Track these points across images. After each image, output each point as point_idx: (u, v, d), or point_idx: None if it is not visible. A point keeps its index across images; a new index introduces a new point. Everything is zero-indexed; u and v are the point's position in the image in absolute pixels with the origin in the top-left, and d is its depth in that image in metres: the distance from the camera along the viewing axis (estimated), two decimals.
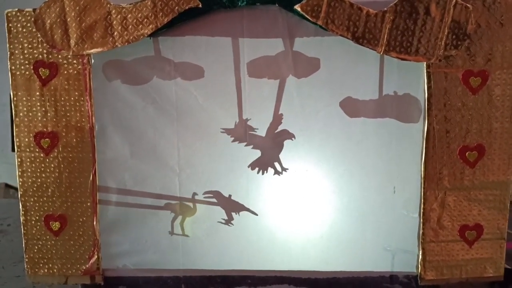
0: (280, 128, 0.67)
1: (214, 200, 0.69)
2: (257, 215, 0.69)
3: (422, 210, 0.67)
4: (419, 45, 0.61)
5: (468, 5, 0.60)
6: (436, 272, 0.68)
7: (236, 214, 0.69)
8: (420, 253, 0.68)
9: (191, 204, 0.69)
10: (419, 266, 0.68)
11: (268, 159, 0.68)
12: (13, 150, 1.57)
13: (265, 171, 0.68)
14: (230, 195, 0.69)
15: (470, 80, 0.63)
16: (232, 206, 0.69)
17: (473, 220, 0.67)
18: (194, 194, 0.69)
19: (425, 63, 0.63)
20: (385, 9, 0.60)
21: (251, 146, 0.67)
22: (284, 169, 0.68)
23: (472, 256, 0.68)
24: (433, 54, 0.61)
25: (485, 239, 0.67)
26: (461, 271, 0.69)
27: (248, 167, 0.68)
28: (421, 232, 0.67)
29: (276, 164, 0.68)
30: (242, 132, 0.66)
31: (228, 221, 0.69)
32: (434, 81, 0.64)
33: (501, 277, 0.69)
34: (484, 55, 0.63)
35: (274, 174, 0.69)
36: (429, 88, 0.64)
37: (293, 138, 0.67)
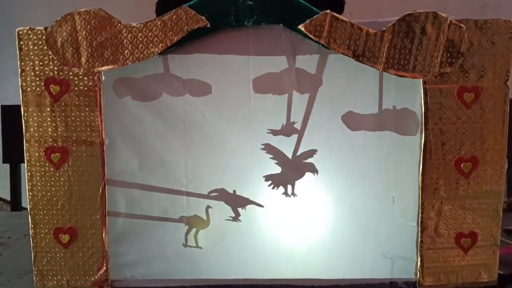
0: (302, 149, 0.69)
1: (220, 199, 0.70)
2: (263, 206, 0.70)
3: (420, 219, 0.69)
4: (416, 63, 0.64)
5: (461, 25, 0.63)
6: (433, 278, 0.71)
7: (242, 209, 0.71)
8: (419, 260, 0.70)
9: (204, 217, 0.71)
10: (418, 272, 0.70)
11: (284, 179, 0.70)
12: (4, 161, 1.57)
13: (276, 188, 0.70)
14: (234, 191, 0.70)
15: (464, 95, 0.66)
16: (237, 202, 0.70)
17: (468, 228, 0.70)
18: (208, 206, 0.71)
19: (421, 79, 0.65)
20: (384, 28, 0.63)
21: (276, 162, 0.69)
22: (293, 194, 0.69)
23: (468, 262, 0.70)
24: (429, 71, 0.64)
25: (480, 246, 0.70)
26: (457, 277, 0.71)
27: (263, 177, 0.69)
28: (419, 240, 0.69)
29: (289, 187, 0.70)
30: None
31: (236, 217, 0.71)
32: (430, 96, 0.66)
33: (495, 282, 0.71)
34: (477, 72, 0.66)
35: (282, 194, 0.70)
36: (425, 103, 0.66)
37: (315, 174, 0.69)
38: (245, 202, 0.71)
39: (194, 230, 0.71)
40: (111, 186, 0.70)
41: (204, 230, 0.71)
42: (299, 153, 0.70)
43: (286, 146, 0.70)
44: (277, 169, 0.70)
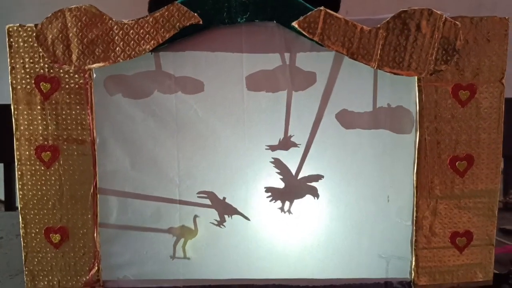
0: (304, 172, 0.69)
1: (208, 201, 0.70)
2: (249, 220, 0.70)
3: (415, 218, 0.68)
4: (411, 60, 0.64)
5: (456, 22, 0.63)
6: (428, 277, 0.70)
7: (228, 217, 0.70)
8: (413, 260, 0.69)
9: (192, 226, 0.70)
10: (413, 272, 0.70)
11: (284, 195, 0.69)
12: None
13: (274, 201, 0.70)
14: (224, 198, 0.69)
15: (459, 93, 0.66)
16: (225, 208, 0.70)
17: (463, 227, 0.69)
18: (196, 216, 0.70)
19: (416, 77, 0.65)
20: (378, 26, 0.63)
21: (281, 177, 0.69)
22: (289, 211, 0.69)
23: (463, 261, 0.70)
24: (424, 69, 0.64)
25: (475, 245, 0.69)
26: (452, 276, 0.70)
27: (264, 188, 0.69)
28: (414, 239, 0.69)
29: (287, 204, 0.69)
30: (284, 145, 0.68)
31: (220, 222, 0.70)
32: (425, 94, 0.66)
33: (490, 282, 0.71)
34: (472, 70, 0.65)
35: (278, 208, 0.70)
36: (420, 101, 0.66)
37: (316, 198, 0.69)
38: (232, 211, 0.70)
39: (182, 240, 0.70)
40: (102, 186, 0.69)
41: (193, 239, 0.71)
42: (305, 169, 0.69)
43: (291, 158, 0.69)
44: (279, 184, 0.69)
